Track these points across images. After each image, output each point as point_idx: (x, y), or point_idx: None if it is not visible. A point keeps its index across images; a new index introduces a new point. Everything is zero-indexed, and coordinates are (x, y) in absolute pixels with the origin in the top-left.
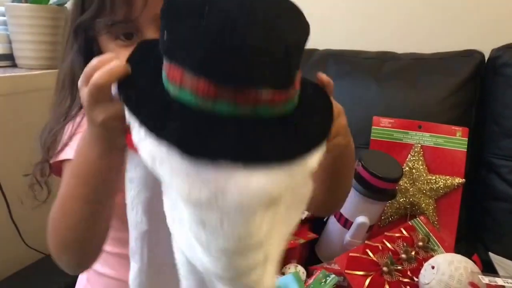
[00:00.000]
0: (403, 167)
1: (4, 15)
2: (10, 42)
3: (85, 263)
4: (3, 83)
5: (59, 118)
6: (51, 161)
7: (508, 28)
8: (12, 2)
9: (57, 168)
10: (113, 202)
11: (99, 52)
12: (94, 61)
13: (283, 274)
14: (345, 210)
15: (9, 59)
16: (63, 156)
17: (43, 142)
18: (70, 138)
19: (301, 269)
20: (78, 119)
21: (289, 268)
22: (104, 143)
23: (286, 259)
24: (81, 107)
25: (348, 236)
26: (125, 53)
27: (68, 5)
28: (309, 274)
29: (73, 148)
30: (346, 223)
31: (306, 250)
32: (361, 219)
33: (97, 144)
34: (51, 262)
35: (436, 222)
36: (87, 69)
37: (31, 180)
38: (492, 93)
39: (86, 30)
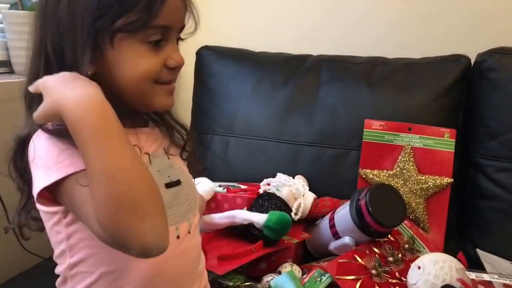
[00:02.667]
0: (394, 167)
1: (1, 22)
2: (7, 49)
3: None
4: (0, 89)
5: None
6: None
7: (492, 34)
8: (9, 9)
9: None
10: None
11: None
12: None
13: (279, 273)
14: (339, 224)
15: (6, 65)
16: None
17: None
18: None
19: (296, 268)
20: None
21: (285, 268)
22: None
23: (282, 258)
24: None
25: (332, 246)
26: (153, 60)
27: None
28: (304, 273)
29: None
30: (335, 234)
31: (301, 250)
32: (348, 240)
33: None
34: (49, 266)
35: (426, 221)
36: None
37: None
38: (478, 96)
39: (106, 30)
